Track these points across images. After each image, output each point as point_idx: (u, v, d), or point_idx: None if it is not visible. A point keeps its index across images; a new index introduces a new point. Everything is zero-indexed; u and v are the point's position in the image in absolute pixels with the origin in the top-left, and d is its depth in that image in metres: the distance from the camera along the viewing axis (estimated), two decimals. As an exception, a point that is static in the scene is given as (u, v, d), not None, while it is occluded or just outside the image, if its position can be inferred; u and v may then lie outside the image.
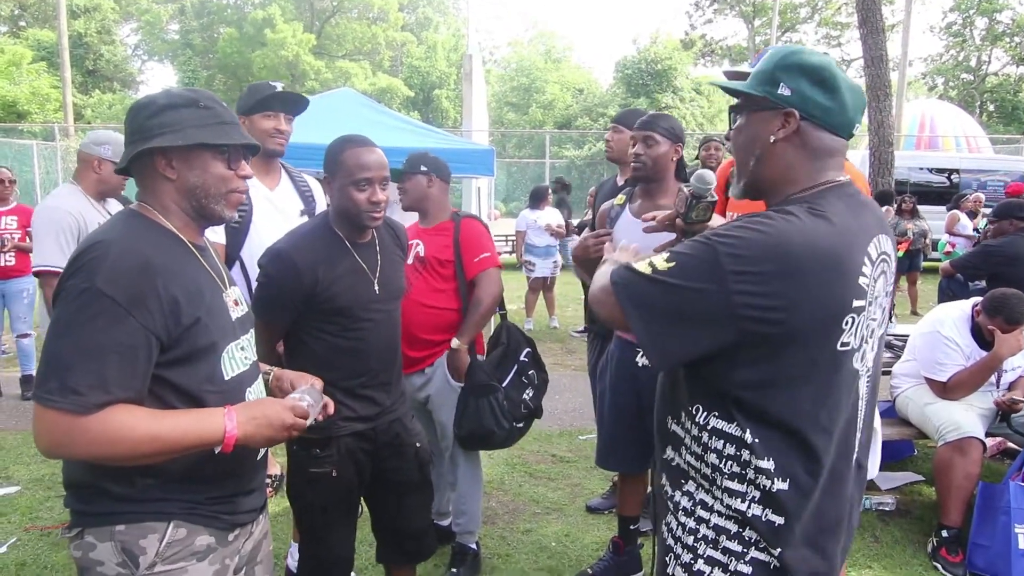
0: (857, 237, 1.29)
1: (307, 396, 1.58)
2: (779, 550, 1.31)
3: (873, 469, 2.59)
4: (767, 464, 1.29)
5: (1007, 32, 30.97)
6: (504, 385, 2.99)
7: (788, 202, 1.33)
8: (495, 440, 2.95)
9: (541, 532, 3.53)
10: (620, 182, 3.62)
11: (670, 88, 31.57)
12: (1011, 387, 3.63)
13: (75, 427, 1.28)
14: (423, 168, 2.99)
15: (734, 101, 1.47)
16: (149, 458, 1.35)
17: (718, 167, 6.24)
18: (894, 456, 4.43)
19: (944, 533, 3.32)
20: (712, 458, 1.35)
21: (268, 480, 3.82)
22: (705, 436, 1.35)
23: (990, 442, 3.95)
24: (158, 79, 42.54)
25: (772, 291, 1.21)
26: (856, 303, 1.27)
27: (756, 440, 1.29)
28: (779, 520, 1.31)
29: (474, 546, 3.17)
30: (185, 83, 34.61)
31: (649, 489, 3.14)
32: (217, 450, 1.41)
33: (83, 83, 32.35)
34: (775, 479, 1.29)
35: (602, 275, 1.39)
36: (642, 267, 1.29)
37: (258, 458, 1.61)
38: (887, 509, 3.78)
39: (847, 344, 1.28)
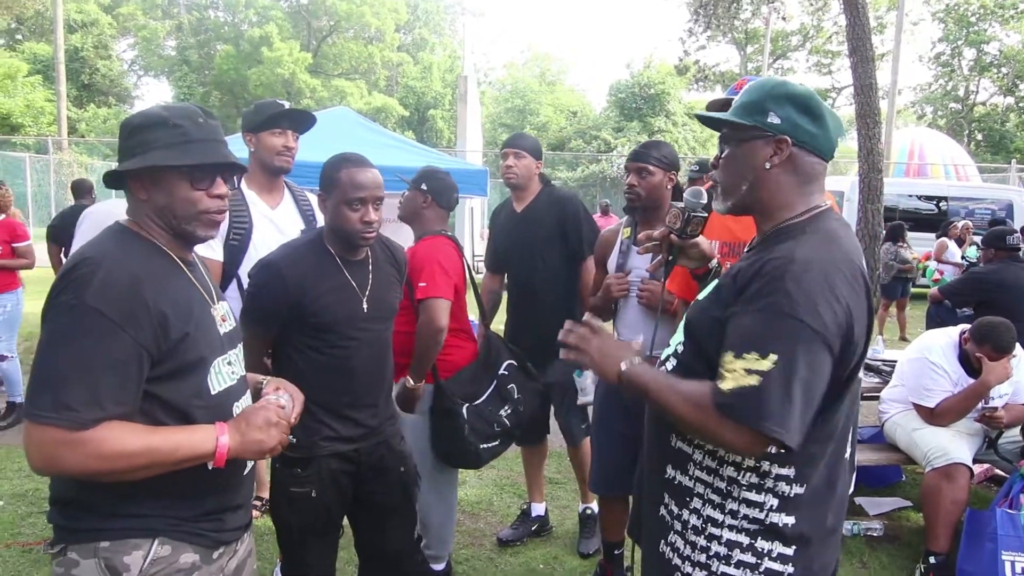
0: (858, 254, 1.41)
1: (281, 397, 1.59)
2: (794, 548, 1.39)
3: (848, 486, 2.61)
4: (787, 471, 1.38)
5: (994, 63, 31.47)
6: (480, 401, 2.88)
7: (794, 228, 1.42)
8: (466, 460, 2.91)
9: (529, 554, 3.50)
10: (518, 209, 3.47)
11: (663, 112, 31.84)
12: (998, 414, 3.65)
13: (69, 443, 1.27)
14: (423, 187, 2.92)
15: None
16: (141, 472, 1.35)
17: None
18: (882, 481, 4.43)
19: (931, 559, 3.32)
20: (729, 471, 1.41)
21: (258, 503, 3.79)
22: (722, 451, 1.40)
23: (977, 468, 3.95)
24: (154, 95, 42.74)
25: (844, 317, 1.31)
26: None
27: (781, 450, 1.33)
28: (791, 521, 1.39)
29: (438, 567, 3.08)
30: (181, 99, 34.68)
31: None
32: (210, 465, 1.40)
33: (78, 97, 32.38)
34: (794, 484, 1.38)
35: (687, 402, 1.34)
36: (747, 380, 1.27)
37: (244, 473, 1.60)
38: (875, 534, 3.77)
39: (862, 355, 1.40)
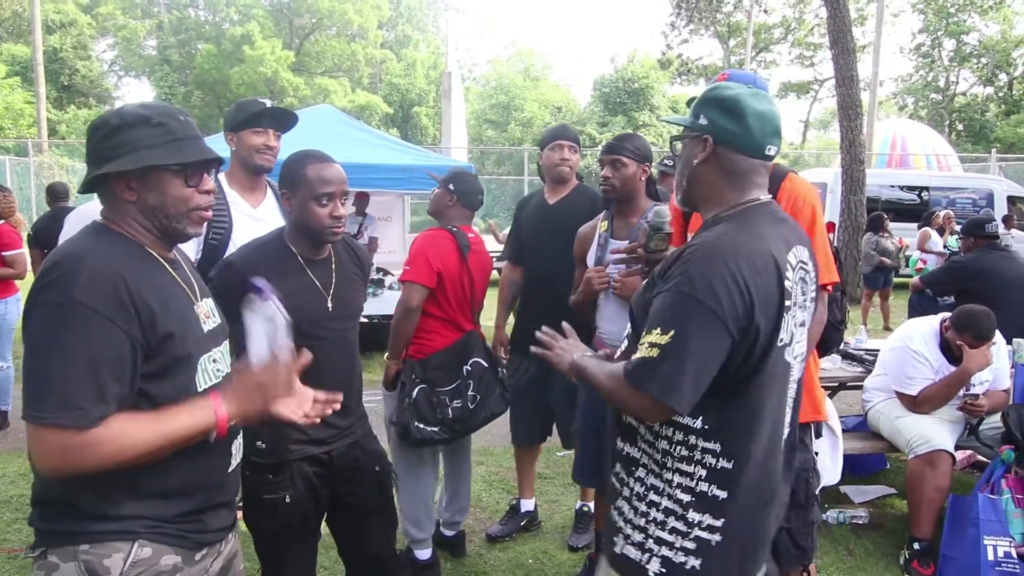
0: (777, 245, 1.49)
1: (261, 339, 1.54)
2: (722, 520, 1.48)
3: (835, 475, 2.72)
4: (713, 446, 1.48)
5: (974, 53, 31.75)
6: (438, 388, 3.01)
7: (717, 220, 1.55)
8: (398, 428, 3.01)
9: (518, 549, 3.51)
10: (551, 200, 3.48)
11: (647, 106, 31.89)
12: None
13: (81, 442, 1.27)
14: (451, 186, 3.11)
15: None
16: (153, 456, 1.36)
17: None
18: (867, 470, 4.48)
19: (916, 545, 3.36)
20: (663, 444, 1.52)
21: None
22: (657, 425, 1.53)
23: (960, 455, 4.00)
24: (135, 95, 42.10)
25: (744, 299, 1.40)
26: (786, 302, 1.47)
27: (706, 426, 1.48)
28: (723, 494, 1.48)
29: (422, 555, 3.10)
30: (162, 99, 34.35)
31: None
32: (212, 436, 1.41)
33: (58, 98, 31.98)
34: (720, 458, 1.48)
35: (608, 376, 1.52)
36: (649, 352, 1.41)
37: (228, 471, 1.59)
38: (860, 522, 3.81)
39: (783, 340, 1.48)
